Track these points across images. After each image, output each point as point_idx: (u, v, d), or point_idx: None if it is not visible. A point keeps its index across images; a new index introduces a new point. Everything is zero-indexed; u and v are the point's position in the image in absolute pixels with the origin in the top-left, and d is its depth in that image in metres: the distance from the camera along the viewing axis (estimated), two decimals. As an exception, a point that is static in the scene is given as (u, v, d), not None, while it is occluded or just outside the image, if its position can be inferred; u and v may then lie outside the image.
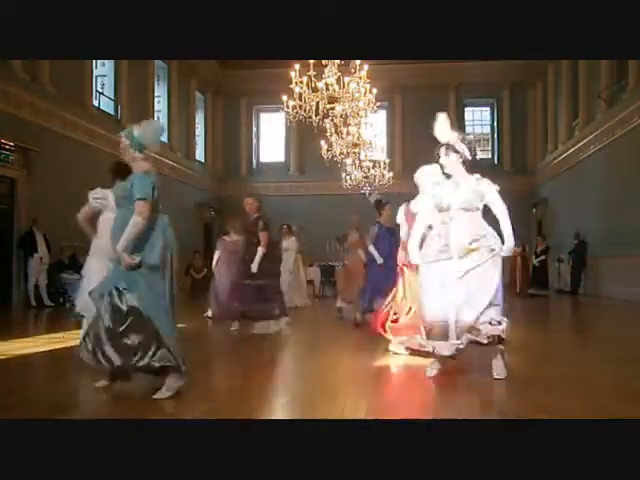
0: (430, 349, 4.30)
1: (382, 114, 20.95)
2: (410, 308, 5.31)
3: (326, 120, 12.20)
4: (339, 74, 10.48)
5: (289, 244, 10.60)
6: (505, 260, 4.28)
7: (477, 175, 4.29)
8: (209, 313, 8.90)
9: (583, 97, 16.43)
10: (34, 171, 11.59)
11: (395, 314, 5.46)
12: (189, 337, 6.02)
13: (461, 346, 4.14)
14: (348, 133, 13.42)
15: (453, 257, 4.15)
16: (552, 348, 6.10)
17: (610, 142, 14.43)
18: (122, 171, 5.03)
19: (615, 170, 14.11)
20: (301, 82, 10.47)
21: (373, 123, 15.00)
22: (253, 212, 7.00)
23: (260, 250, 6.77)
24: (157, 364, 3.56)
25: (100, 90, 15.06)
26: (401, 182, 14.15)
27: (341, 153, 14.17)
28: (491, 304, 4.08)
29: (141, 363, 3.55)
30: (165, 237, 3.67)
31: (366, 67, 10.90)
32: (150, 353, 3.55)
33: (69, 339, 4.99)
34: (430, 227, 4.41)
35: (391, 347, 5.38)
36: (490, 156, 21.92)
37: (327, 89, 10.57)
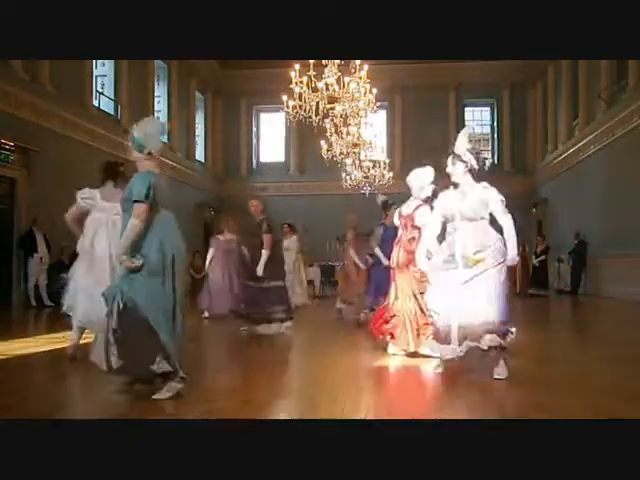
0: (436, 352, 4.35)
1: (382, 114, 20.95)
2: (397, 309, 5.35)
3: (326, 120, 12.20)
4: (339, 74, 10.47)
5: (290, 243, 10.60)
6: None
7: (484, 183, 4.28)
8: (206, 314, 8.92)
9: (583, 97, 16.44)
10: (34, 171, 11.60)
11: (391, 316, 5.46)
12: (188, 337, 6.01)
13: (461, 353, 4.19)
14: (348, 133, 13.42)
15: (458, 267, 4.19)
16: (552, 348, 6.10)
17: (610, 142, 14.44)
18: (111, 172, 5.06)
19: (615, 170, 14.11)
20: (301, 82, 10.47)
21: (373, 123, 15.01)
22: (257, 214, 7.02)
23: (264, 252, 6.79)
24: (155, 370, 3.54)
25: (100, 90, 15.07)
26: (401, 182, 14.04)
27: (341, 153, 14.17)
28: (495, 313, 4.09)
29: (139, 368, 3.54)
30: (164, 238, 3.61)
31: (366, 67, 10.90)
32: (148, 358, 3.52)
33: (69, 339, 4.99)
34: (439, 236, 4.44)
35: (390, 350, 5.37)
36: (490, 156, 21.92)
37: (327, 89, 10.56)
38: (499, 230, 4.24)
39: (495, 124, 21.98)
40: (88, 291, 4.82)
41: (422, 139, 21.02)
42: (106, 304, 3.68)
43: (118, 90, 15.54)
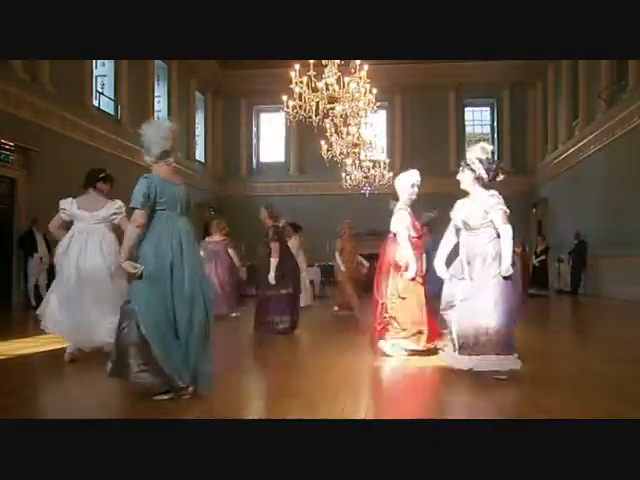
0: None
1: (382, 114, 20.97)
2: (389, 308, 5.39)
3: (326, 120, 12.20)
4: (339, 74, 10.47)
5: (291, 244, 10.65)
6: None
7: (491, 192, 4.26)
8: None
9: (583, 97, 16.44)
10: (34, 171, 11.60)
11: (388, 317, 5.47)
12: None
13: (464, 367, 4.19)
14: (348, 133, 13.42)
15: (464, 276, 4.20)
16: (552, 348, 6.10)
17: (610, 142, 14.44)
18: (90, 179, 5.11)
19: (615, 170, 14.11)
20: (301, 82, 10.47)
21: (373, 123, 15.01)
22: (266, 222, 7.09)
23: (273, 261, 6.87)
24: (143, 380, 3.51)
25: (100, 90, 15.07)
26: (401, 182, 14.11)
27: (341, 153, 14.17)
28: (497, 324, 4.08)
29: (131, 375, 3.51)
30: (162, 243, 3.54)
31: (366, 67, 10.90)
32: (138, 367, 3.48)
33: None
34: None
35: (388, 350, 5.37)
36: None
37: (327, 89, 10.57)
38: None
39: (495, 124, 22.00)
40: (59, 300, 4.88)
41: (422, 139, 21.06)
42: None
43: (118, 90, 15.55)
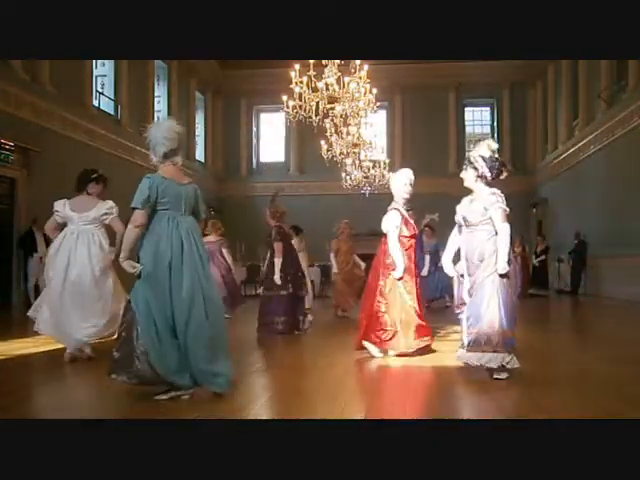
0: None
1: (382, 114, 20.95)
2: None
3: (326, 120, 12.19)
4: (339, 74, 10.47)
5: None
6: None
7: (493, 190, 4.27)
8: None
9: (583, 97, 16.44)
10: (34, 171, 11.60)
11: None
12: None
13: (471, 364, 4.22)
14: (348, 133, 13.41)
15: (464, 274, 4.22)
16: (552, 348, 6.10)
17: (610, 142, 14.44)
18: (81, 181, 5.13)
19: (615, 170, 14.11)
20: (301, 82, 10.47)
21: (373, 123, 15.00)
22: (270, 222, 7.13)
23: (276, 261, 6.89)
24: (140, 380, 3.52)
25: (100, 90, 15.07)
26: (401, 182, 14.09)
27: (341, 153, 14.16)
28: (496, 322, 4.09)
29: (129, 375, 3.51)
30: (162, 243, 3.52)
31: (366, 67, 10.90)
32: (131, 366, 3.48)
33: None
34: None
35: (374, 352, 5.37)
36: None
37: (327, 89, 10.56)
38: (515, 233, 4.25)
39: (495, 124, 21.98)
40: (47, 302, 4.91)
41: (422, 139, 21.06)
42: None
43: (118, 90, 15.54)
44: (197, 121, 21.10)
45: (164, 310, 3.51)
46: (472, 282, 4.21)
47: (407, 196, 5.44)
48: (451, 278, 4.62)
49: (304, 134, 19.16)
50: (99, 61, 14.99)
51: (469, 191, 4.40)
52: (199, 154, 21.13)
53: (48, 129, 12.33)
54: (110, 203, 5.12)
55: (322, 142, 14.01)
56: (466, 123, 22.16)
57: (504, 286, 4.10)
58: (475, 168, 4.26)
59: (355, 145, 14.20)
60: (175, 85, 18.83)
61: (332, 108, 11.25)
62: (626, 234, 12.97)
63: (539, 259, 15.40)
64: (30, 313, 5.10)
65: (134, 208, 3.55)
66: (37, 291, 11.34)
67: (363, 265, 9.07)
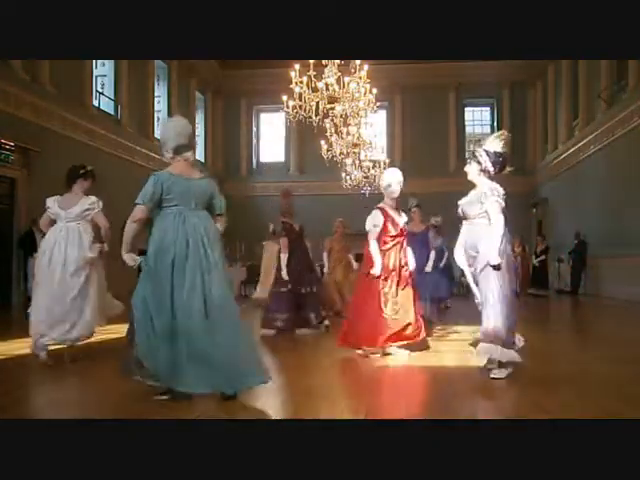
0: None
1: (382, 114, 20.96)
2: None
3: (326, 120, 12.20)
4: (339, 74, 10.47)
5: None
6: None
7: (495, 185, 4.31)
8: None
9: (583, 97, 16.44)
10: (34, 171, 11.60)
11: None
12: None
13: (477, 356, 4.27)
14: (348, 133, 13.42)
15: (463, 267, 4.29)
16: (552, 348, 6.10)
17: (610, 142, 14.44)
18: (70, 177, 5.14)
19: (615, 170, 14.11)
20: (301, 82, 10.47)
21: (373, 123, 15.00)
22: (278, 219, 7.16)
23: (282, 257, 6.89)
24: (143, 378, 3.49)
25: (100, 90, 15.07)
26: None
27: (341, 153, 14.17)
28: (490, 317, 4.13)
29: (133, 373, 3.51)
30: (166, 239, 3.49)
31: (366, 67, 10.90)
32: (127, 364, 3.49)
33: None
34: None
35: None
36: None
37: (327, 89, 10.56)
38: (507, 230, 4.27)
39: (495, 124, 21.96)
40: (35, 301, 4.92)
41: (422, 139, 21.05)
42: None
43: (118, 90, 15.55)
44: (197, 121, 21.10)
45: (163, 308, 3.44)
46: (473, 274, 4.29)
47: (394, 196, 5.48)
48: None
49: (304, 134, 19.16)
50: (99, 61, 15.00)
51: (469, 191, 4.43)
52: (199, 154, 21.11)
53: (48, 129, 12.33)
54: (92, 198, 5.08)
55: (322, 142, 14.01)
56: (466, 123, 22.16)
57: (498, 279, 4.13)
58: (479, 162, 4.32)
59: (355, 145, 14.21)
60: (175, 85, 18.83)
61: (332, 108, 11.25)
62: (626, 234, 12.97)
63: (539, 259, 15.40)
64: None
65: (135, 204, 3.57)
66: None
67: (355, 265, 9.05)
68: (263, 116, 22.98)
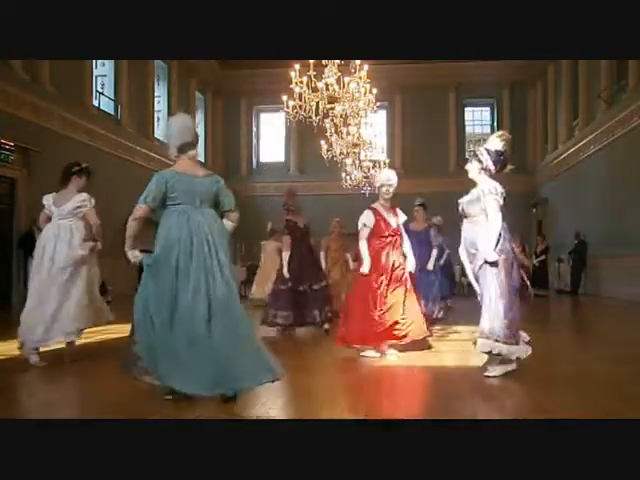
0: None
1: (382, 114, 20.95)
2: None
3: (326, 120, 12.20)
4: (339, 74, 10.47)
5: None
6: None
7: (495, 183, 4.34)
8: None
9: (583, 97, 16.43)
10: (34, 171, 11.60)
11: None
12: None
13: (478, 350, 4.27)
14: (348, 133, 13.41)
15: (465, 265, 4.33)
16: (552, 348, 6.09)
17: (610, 142, 14.43)
18: (64, 175, 5.16)
19: (615, 170, 14.11)
20: (301, 82, 10.47)
21: (373, 123, 15.00)
22: (285, 215, 7.18)
23: (283, 254, 6.90)
24: (143, 378, 3.48)
25: (100, 90, 15.07)
26: (401, 182, 14.08)
27: (341, 153, 14.16)
28: (489, 314, 4.15)
29: (134, 372, 3.50)
30: (170, 236, 3.46)
31: (366, 67, 10.90)
32: (128, 362, 3.48)
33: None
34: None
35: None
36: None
37: (327, 89, 10.56)
38: (507, 228, 4.29)
39: (495, 124, 21.95)
40: (27, 301, 4.94)
41: (422, 139, 21.05)
42: None
43: (118, 90, 15.55)
44: (197, 121, 21.08)
45: (164, 307, 3.41)
46: (474, 272, 4.32)
47: (387, 196, 5.56)
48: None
49: (304, 134, 19.15)
50: (99, 61, 15.00)
51: (469, 191, 4.45)
52: (199, 154, 21.09)
53: (48, 129, 12.33)
54: (84, 195, 5.05)
55: (322, 142, 14.01)
56: (466, 123, 22.16)
57: (496, 276, 4.16)
58: (480, 161, 4.35)
59: (355, 145, 14.20)
60: (175, 85, 18.83)
61: (332, 108, 11.25)
62: (626, 234, 12.97)
63: (539, 259, 15.40)
64: None
65: (138, 203, 3.57)
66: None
67: (352, 265, 9.05)
68: (263, 116, 22.98)
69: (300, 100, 10.72)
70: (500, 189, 4.29)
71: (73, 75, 13.23)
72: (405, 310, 5.32)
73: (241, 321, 3.53)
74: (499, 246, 4.17)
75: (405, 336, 5.28)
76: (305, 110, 10.77)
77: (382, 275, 5.35)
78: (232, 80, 21.65)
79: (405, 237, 5.63)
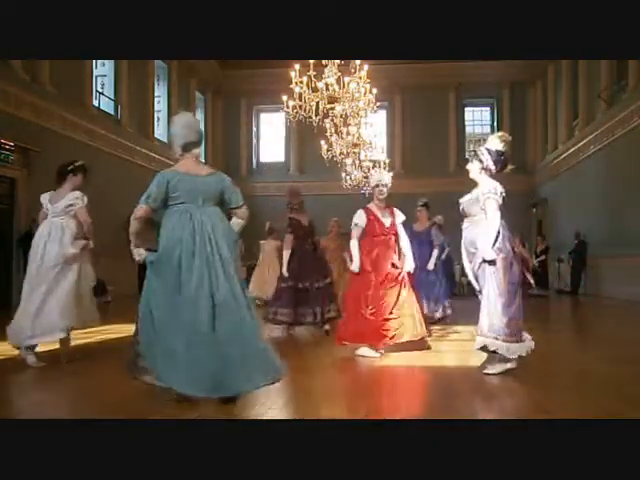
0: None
1: (382, 114, 20.94)
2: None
3: (326, 120, 12.19)
4: (339, 74, 10.47)
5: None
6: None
7: (495, 183, 4.36)
8: None
9: (583, 97, 16.43)
10: (34, 171, 11.59)
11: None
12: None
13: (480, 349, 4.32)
14: (348, 133, 13.41)
15: (465, 264, 4.38)
16: (552, 348, 6.09)
17: (610, 142, 14.43)
18: (59, 173, 5.17)
19: (615, 170, 14.11)
20: (301, 82, 10.47)
21: (373, 123, 14.99)
22: (288, 213, 7.20)
23: (284, 253, 6.92)
24: (144, 378, 3.47)
25: (100, 90, 15.07)
26: (401, 182, 14.16)
27: (341, 153, 14.16)
28: (490, 313, 4.17)
29: (136, 372, 3.51)
30: (172, 235, 3.45)
31: (366, 67, 10.90)
32: (131, 363, 3.48)
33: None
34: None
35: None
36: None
37: (327, 89, 10.56)
38: (507, 227, 4.30)
39: (495, 124, 21.95)
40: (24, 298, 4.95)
41: (422, 139, 21.05)
42: None
43: (118, 90, 15.54)
44: (197, 121, 21.11)
45: (166, 306, 3.39)
46: (473, 271, 4.34)
47: (381, 197, 5.62)
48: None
49: (304, 134, 19.14)
50: (99, 61, 15.00)
51: (469, 190, 4.47)
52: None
53: (48, 129, 12.33)
54: (76, 193, 5.04)
55: (322, 142, 14.00)
56: (466, 123, 22.16)
57: (495, 274, 4.17)
58: (480, 160, 4.38)
59: (355, 145, 14.20)
60: (175, 85, 18.82)
61: (332, 108, 11.24)
62: (626, 234, 12.97)
63: (539, 259, 15.40)
64: None
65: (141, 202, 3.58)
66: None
67: (349, 264, 9.06)
68: (263, 116, 22.98)
69: (300, 100, 10.72)
70: (500, 189, 4.31)
71: (73, 75, 13.23)
72: (397, 310, 5.32)
73: (246, 321, 3.45)
74: (497, 244, 4.18)
75: (394, 337, 5.29)
76: (305, 110, 10.77)
77: (373, 274, 5.39)
78: (232, 80, 21.65)
79: (404, 236, 5.63)
